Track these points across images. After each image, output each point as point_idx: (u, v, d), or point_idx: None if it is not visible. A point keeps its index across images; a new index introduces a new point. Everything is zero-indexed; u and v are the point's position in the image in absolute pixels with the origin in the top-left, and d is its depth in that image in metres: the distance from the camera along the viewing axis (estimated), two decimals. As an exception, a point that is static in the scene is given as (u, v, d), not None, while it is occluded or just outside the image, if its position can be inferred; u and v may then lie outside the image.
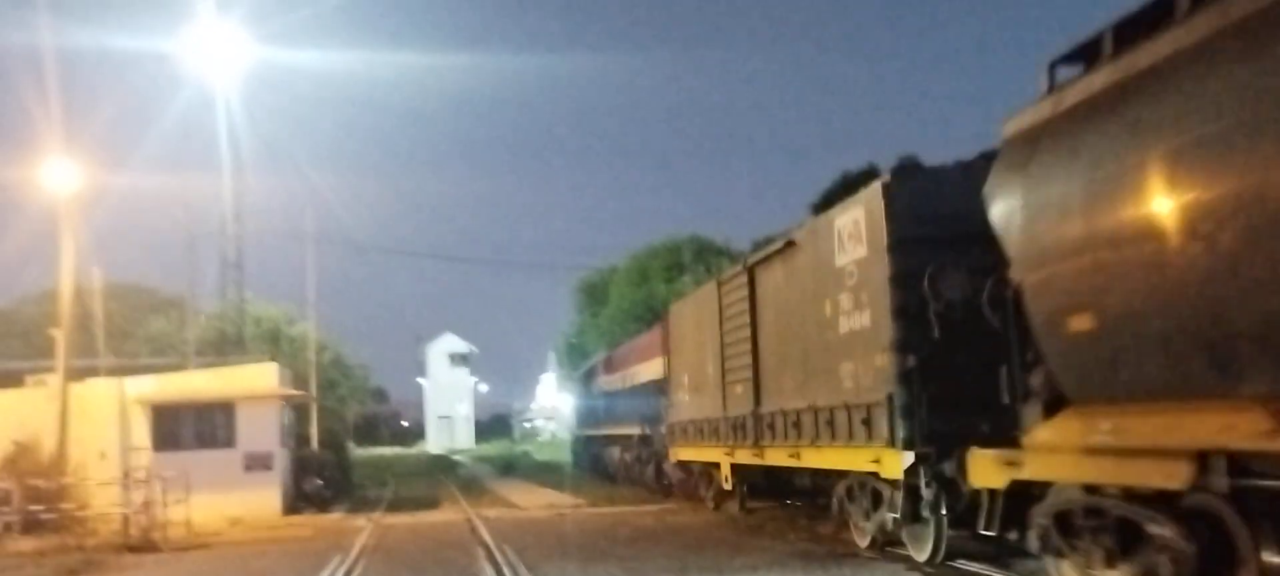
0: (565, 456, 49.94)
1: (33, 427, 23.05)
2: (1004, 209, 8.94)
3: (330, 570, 14.12)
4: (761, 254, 16.70)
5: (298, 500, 26.46)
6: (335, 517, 24.11)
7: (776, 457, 15.70)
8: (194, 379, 27.13)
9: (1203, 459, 6.96)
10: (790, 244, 15.07)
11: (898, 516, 12.08)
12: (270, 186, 66.40)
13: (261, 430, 25.03)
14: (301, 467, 28.33)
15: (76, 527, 20.25)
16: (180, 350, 35.06)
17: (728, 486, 19.05)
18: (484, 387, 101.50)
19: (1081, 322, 7.99)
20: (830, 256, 13.35)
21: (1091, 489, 8.22)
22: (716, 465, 19.43)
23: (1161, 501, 7.45)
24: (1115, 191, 7.48)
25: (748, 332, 16.70)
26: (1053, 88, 8.65)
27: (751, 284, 16.67)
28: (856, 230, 12.63)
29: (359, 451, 64.30)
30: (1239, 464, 6.73)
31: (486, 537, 17.51)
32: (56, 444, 22.77)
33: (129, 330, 41.87)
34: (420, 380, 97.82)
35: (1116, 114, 7.63)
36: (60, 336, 23.10)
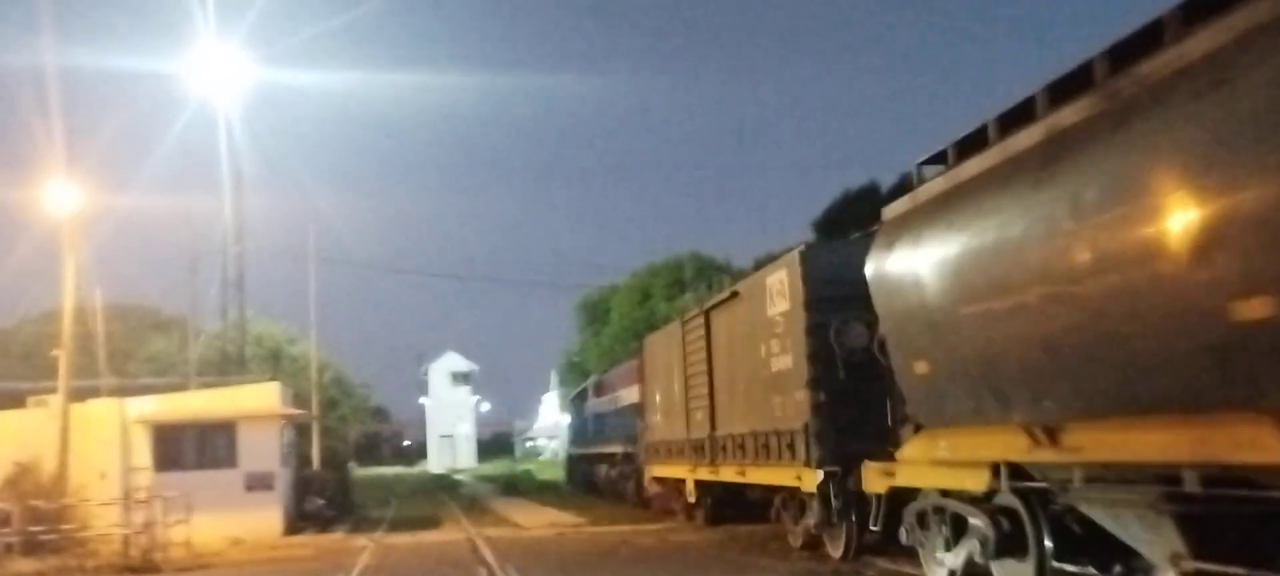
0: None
1: (34, 448, 23.01)
2: (874, 278, 11.62)
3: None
4: (715, 300, 19.15)
5: (299, 520, 26.41)
6: (337, 537, 24.05)
7: (728, 474, 18.14)
8: (195, 399, 27.11)
9: (996, 468, 9.84)
10: (735, 294, 17.72)
11: (816, 521, 14.64)
12: (272, 205, 66.57)
13: (263, 450, 24.99)
14: (303, 487, 28.30)
15: (77, 549, 20.20)
16: (181, 370, 35.05)
17: (692, 500, 21.42)
18: (486, 406, 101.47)
19: (921, 368, 10.82)
20: (764, 308, 16.02)
21: (945, 492, 11.08)
22: (683, 481, 21.58)
23: (979, 500, 10.34)
24: (938, 274, 10.20)
25: (705, 366, 19.23)
26: (917, 183, 11.27)
27: (707, 325, 19.21)
28: (782, 288, 15.34)
29: (360, 471, 64.24)
30: (1019, 471, 9.61)
31: (489, 557, 17.46)
32: (57, 464, 22.74)
33: (130, 350, 41.87)
34: (422, 399, 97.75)
35: (941, 215, 10.30)
36: (62, 356, 23.10)
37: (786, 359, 15.14)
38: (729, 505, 20.38)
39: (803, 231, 32.57)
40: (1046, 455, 9.02)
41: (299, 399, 31.80)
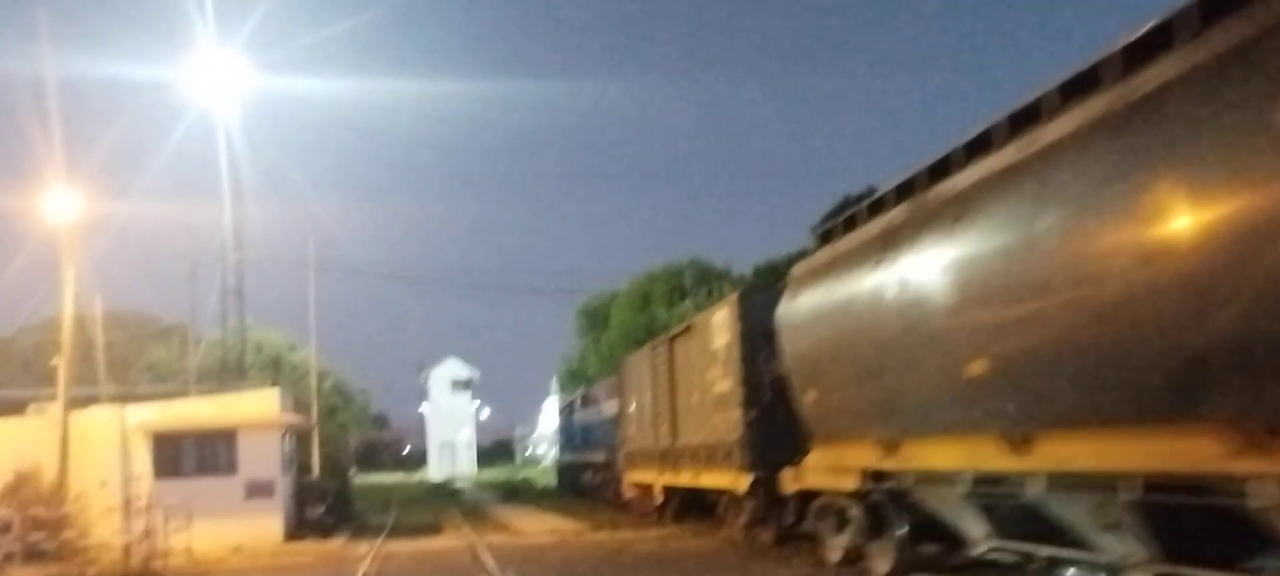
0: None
1: (34, 456, 23.02)
2: (779, 323, 15.45)
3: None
4: (677, 330, 23.02)
5: (299, 527, 26.38)
6: (337, 544, 24.04)
7: (685, 478, 21.61)
8: (195, 406, 27.12)
9: (863, 473, 13.16)
10: (690, 327, 21.58)
11: (747, 518, 18.25)
12: (271, 213, 66.42)
13: (263, 457, 24.98)
14: (303, 495, 28.27)
15: (77, 556, 20.21)
16: (181, 378, 35.03)
17: (660, 501, 24.46)
18: (486, 413, 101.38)
19: (811, 396, 14.50)
20: (710, 339, 19.49)
21: (831, 491, 14.62)
22: (652, 484, 24.91)
23: (856, 496, 13.65)
24: (819, 323, 14.08)
25: (669, 386, 22.65)
26: (814, 250, 15.48)
27: (671, 351, 22.79)
28: (723, 324, 18.74)
29: (361, 478, 64.18)
30: (880, 475, 12.85)
31: (490, 564, 17.45)
32: (57, 472, 22.74)
33: (130, 358, 41.87)
34: (422, 406, 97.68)
35: (823, 278, 14.16)
36: (62, 364, 23.11)
37: (727, 382, 18.32)
38: (691, 505, 22.98)
39: (803, 237, 32.55)
40: (889, 464, 12.49)
41: (299, 406, 31.78)
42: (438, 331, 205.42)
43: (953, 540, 12.09)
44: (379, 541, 23.85)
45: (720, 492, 19.59)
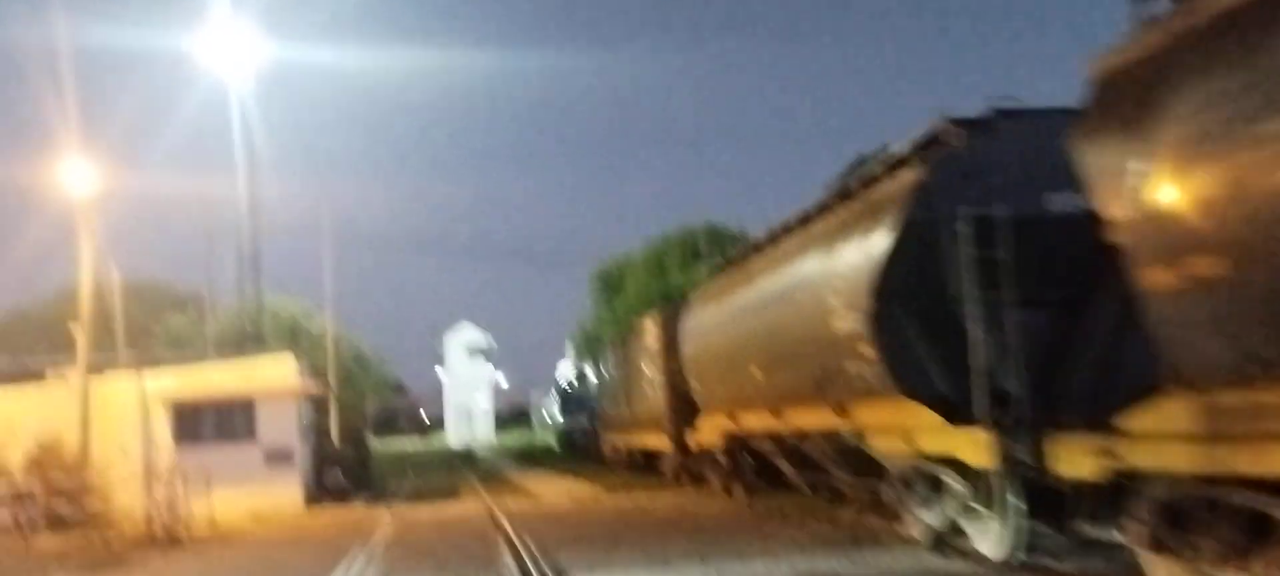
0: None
1: (55, 425, 23.22)
2: (683, 334, 23.03)
3: (353, 561, 14.17)
4: (629, 331, 32.06)
5: (318, 493, 26.59)
6: (357, 510, 24.22)
7: (635, 441, 30.61)
8: (214, 374, 27.28)
9: (724, 433, 20.53)
10: (635, 330, 30.07)
11: (672, 469, 25.76)
12: (288, 182, 66.63)
13: (281, 424, 25.15)
14: (322, 461, 28.47)
15: (100, 524, 20.41)
16: (199, 347, 35.22)
17: (626, 456, 32.10)
18: (502, 379, 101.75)
19: (698, 387, 22.06)
20: (648, 341, 27.29)
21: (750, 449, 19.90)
22: (619, 444, 33.96)
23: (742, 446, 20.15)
24: (705, 334, 21.08)
25: (627, 372, 30.82)
26: (707, 278, 23.91)
27: (626, 345, 31.47)
28: (652, 330, 26.66)
29: (378, 444, 64.55)
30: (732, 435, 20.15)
31: (507, 528, 17.56)
32: (79, 441, 22.94)
33: (148, 327, 42.10)
34: (439, 372, 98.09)
35: (708, 300, 21.50)
36: (81, 334, 23.25)
37: (657, 375, 26.16)
38: (647, 461, 29.63)
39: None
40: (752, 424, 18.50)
41: (316, 373, 31.95)
42: (454, 299, 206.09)
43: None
44: (398, 506, 24.03)
45: (657, 451, 27.50)
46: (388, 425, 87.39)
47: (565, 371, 73.36)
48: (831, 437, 14.92)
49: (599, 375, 37.56)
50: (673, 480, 25.35)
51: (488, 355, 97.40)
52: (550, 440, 68.03)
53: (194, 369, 27.39)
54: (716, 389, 20.56)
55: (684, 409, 23.37)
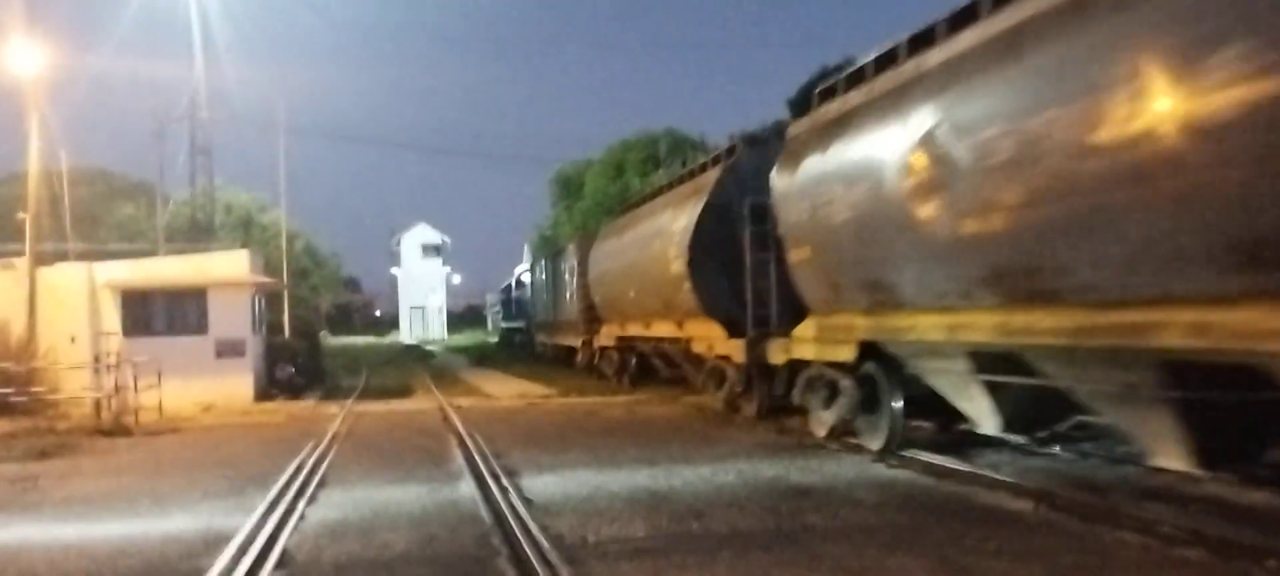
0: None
1: (2, 311, 22.96)
2: (591, 260, 29.17)
3: (304, 455, 14.23)
4: (557, 250, 38.52)
5: (270, 387, 26.55)
6: (308, 405, 24.23)
7: (558, 339, 37.02)
8: (165, 265, 27.01)
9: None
10: (560, 250, 36.44)
11: (580, 362, 31.73)
12: (244, 73, 65.25)
13: (233, 317, 25.00)
14: (274, 355, 28.38)
15: (48, 411, 20.30)
16: (149, 237, 34.82)
17: (582, 359, 34.07)
18: (457, 278, 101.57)
19: (600, 299, 28.41)
20: (569, 264, 32.76)
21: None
22: (547, 343, 40.84)
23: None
24: (604, 263, 27.41)
25: (554, 284, 36.77)
26: (605, 226, 30.89)
27: (555, 262, 37.45)
28: (574, 254, 31.89)
29: (332, 340, 64.37)
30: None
31: (459, 426, 17.68)
32: (26, 327, 22.71)
33: (97, 215, 41.50)
34: (393, 270, 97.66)
35: (613, 237, 26.92)
36: (29, 220, 22.90)
37: (575, 289, 31.61)
38: (566, 355, 35.12)
39: (778, 109, 32.37)
40: (633, 332, 24.89)
41: (269, 268, 31.72)
42: (411, 197, 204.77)
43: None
44: (350, 402, 24.07)
45: (573, 347, 33.12)
46: (341, 321, 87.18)
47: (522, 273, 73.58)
48: (676, 343, 21.22)
49: (534, 284, 43.84)
50: (583, 370, 31.52)
51: (442, 253, 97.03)
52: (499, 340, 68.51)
53: (146, 260, 27.11)
54: (611, 304, 27.20)
55: (592, 318, 29.89)
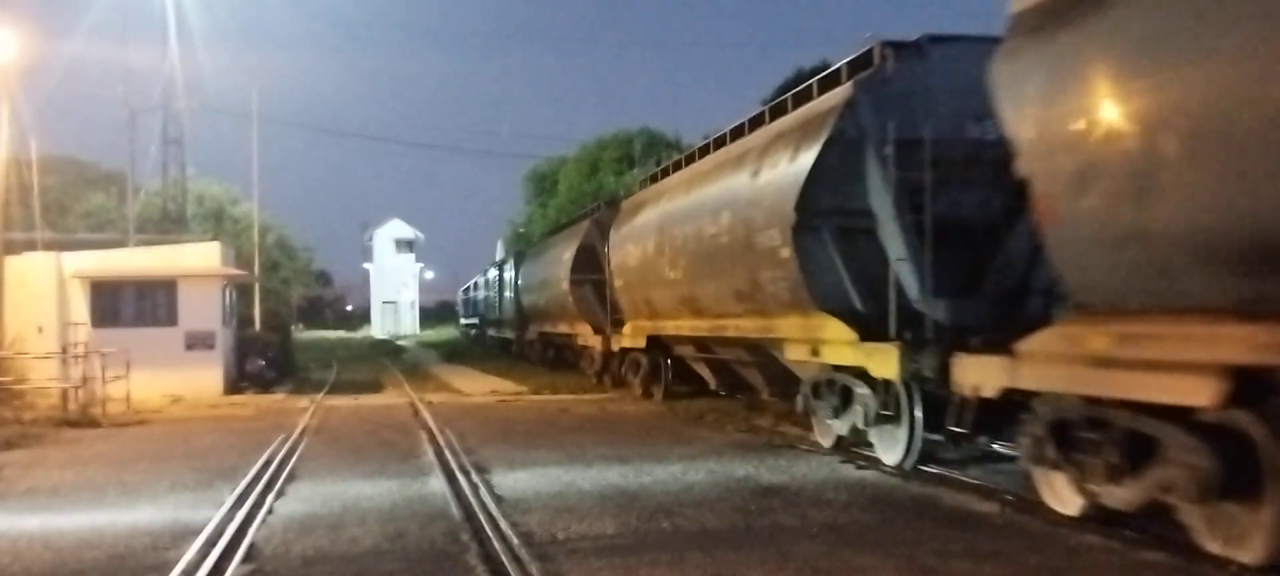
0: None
1: (-32, 300, 22.69)
2: (612, 241, 23.13)
3: (273, 449, 14.16)
4: (503, 260, 47.23)
5: (240, 380, 26.40)
6: (278, 398, 24.11)
7: (502, 333, 44.02)
8: (135, 256, 26.79)
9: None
10: (547, 244, 35.14)
11: (599, 369, 27.13)
12: (218, 63, 64.75)
13: (203, 309, 24.82)
14: (244, 348, 28.21)
15: (14, 401, 20.10)
16: (120, 226, 34.51)
17: (516, 348, 39.55)
18: (430, 274, 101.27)
19: (624, 287, 22.49)
20: (562, 255, 29.56)
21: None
22: (497, 336, 47.10)
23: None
24: (634, 243, 21.12)
25: (500, 287, 43.14)
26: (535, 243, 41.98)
27: (500, 271, 44.95)
28: (571, 244, 28.71)
29: (302, 334, 64.03)
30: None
31: (429, 421, 17.63)
32: (-8, 317, 22.46)
33: (66, 204, 41.11)
34: (366, 265, 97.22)
35: (642, 212, 21.12)
36: (-5, 208, 22.64)
37: (511, 294, 38.11)
38: (558, 355, 33.87)
39: (752, 108, 32.44)
40: (674, 329, 19.99)
41: (241, 260, 31.51)
42: (384, 191, 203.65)
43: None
44: (320, 397, 23.96)
45: (569, 338, 31.11)
46: (312, 315, 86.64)
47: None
48: (750, 346, 15.79)
49: (501, 281, 46.31)
50: (595, 380, 26.75)
51: (415, 248, 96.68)
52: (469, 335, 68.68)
53: (116, 251, 26.87)
54: (640, 294, 21.04)
55: (608, 311, 24.84)
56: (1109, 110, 7.26)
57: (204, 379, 24.09)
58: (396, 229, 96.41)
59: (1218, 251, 6.59)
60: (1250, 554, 7.15)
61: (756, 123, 15.76)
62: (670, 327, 19.49)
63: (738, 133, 16.58)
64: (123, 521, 9.70)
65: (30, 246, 26.16)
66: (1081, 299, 8.23)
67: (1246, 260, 6.43)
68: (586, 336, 27.41)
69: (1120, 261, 7.41)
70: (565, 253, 28.73)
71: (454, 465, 12.49)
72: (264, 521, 9.53)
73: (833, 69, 13.36)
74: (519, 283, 39.20)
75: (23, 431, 16.88)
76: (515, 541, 8.32)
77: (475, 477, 11.62)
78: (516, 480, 11.65)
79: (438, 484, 11.57)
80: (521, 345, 40.14)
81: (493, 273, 50.85)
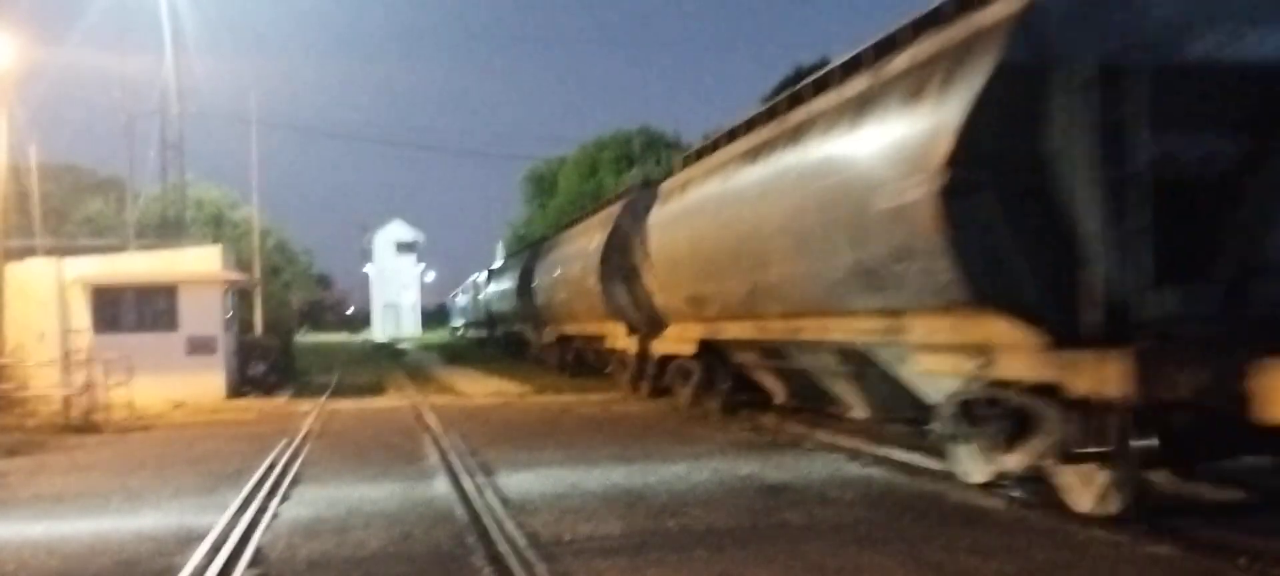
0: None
1: (-31, 308, 22.66)
2: (647, 228, 19.80)
3: (277, 453, 14.14)
4: (496, 268, 49.61)
5: (242, 384, 26.38)
6: (280, 402, 24.09)
7: (586, 340, 29.55)
8: (135, 261, 26.76)
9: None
10: (566, 236, 31.67)
11: (634, 376, 23.46)
12: (215, 68, 64.69)
13: (204, 314, 24.80)
14: (246, 352, 28.19)
15: (16, 408, 20.08)
16: (119, 232, 34.48)
17: (534, 352, 37.56)
18: (431, 276, 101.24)
19: (669, 282, 18.74)
20: (587, 246, 26.31)
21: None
22: (530, 339, 39.60)
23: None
24: (682, 228, 17.50)
25: (565, 270, 29.74)
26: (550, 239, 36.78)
27: (488, 279, 49.64)
28: (599, 233, 25.15)
29: (304, 337, 64.02)
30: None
31: (433, 423, 17.61)
32: (-6, 324, 22.43)
33: (66, 211, 41.08)
34: (366, 267, 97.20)
35: (693, 188, 17.32)
36: (-4, 215, 22.62)
37: (589, 264, 25.33)
38: (578, 359, 30.87)
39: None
40: (736, 332, 16.53)
41: (241, 265, 31.49)
42: (384, 193, 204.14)
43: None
44: (323, 400, 23.94)
45: (615, 351, 28.17)
46: (313, 318, 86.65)
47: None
48: (846, 352, 12.21)
49: (476, 291, 51.78)
50: (631, 388, 23.07)
51: (416, 249, 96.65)
52: (467, 337, 68.92)
53: (116, 257, 26.84)
54: (689, 288, 17.06)
55: (642, 310, 21.77)
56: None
57: (206, 384, 24.06)
58: (397, 231, 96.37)
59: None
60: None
61: (850, 68, 11.83)
62: (731, 331, 15.78)
63: (821, 86, 12.62)
64: (128, 527, 9.68)
65: (30, 253, 26.13)
66: None
67: None
68: (618, 337, 23.88)
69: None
70: (592, 242, 25.10)
71: (458, 466, 12.47)
72: (269, 525, 9.51)
73: None
74: (533, 280, 34.95)
75: (25, 438, 16.87)
76: (521, 542, 8.31)
77: (480, 479, 11.60)
78: (521, 481, 11.63)
79: (442, 486, 11.55)
80: (538, 348, 36.36)
81: (481, 280, 54.09)
